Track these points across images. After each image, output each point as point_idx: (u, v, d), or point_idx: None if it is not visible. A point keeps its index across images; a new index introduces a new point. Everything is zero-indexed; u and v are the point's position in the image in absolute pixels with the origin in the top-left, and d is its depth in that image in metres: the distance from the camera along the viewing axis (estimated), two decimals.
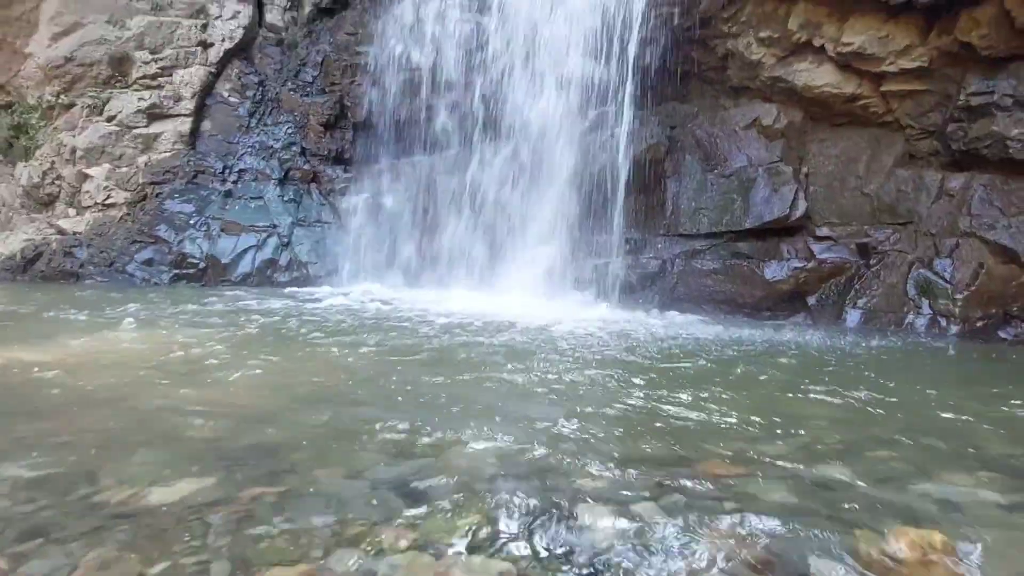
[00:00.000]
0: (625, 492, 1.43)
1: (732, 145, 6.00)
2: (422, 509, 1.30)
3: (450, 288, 6.44)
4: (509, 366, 2.93)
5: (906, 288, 5.03)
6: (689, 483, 1.49)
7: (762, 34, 5.71)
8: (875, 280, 5.16)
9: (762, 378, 2.99)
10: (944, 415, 2.36)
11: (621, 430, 1.98)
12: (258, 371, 2.76)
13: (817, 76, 5.63)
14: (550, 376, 2.76)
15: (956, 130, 5.09)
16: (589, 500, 1.37)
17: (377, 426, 1.91)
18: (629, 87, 6.04)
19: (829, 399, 2.55)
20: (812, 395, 2.62)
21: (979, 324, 4.80)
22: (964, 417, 2.32)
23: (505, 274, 6.23)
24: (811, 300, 5.35)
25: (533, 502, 1.35)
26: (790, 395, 2.64)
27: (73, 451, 1.65)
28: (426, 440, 1.79)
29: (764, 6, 5.61)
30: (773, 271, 5.42)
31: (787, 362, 3.45)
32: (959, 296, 4.83)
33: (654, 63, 6.13)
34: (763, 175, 5.74)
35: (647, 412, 2.21)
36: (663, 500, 1.38)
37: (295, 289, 6.71)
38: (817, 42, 5.52)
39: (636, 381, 2.71)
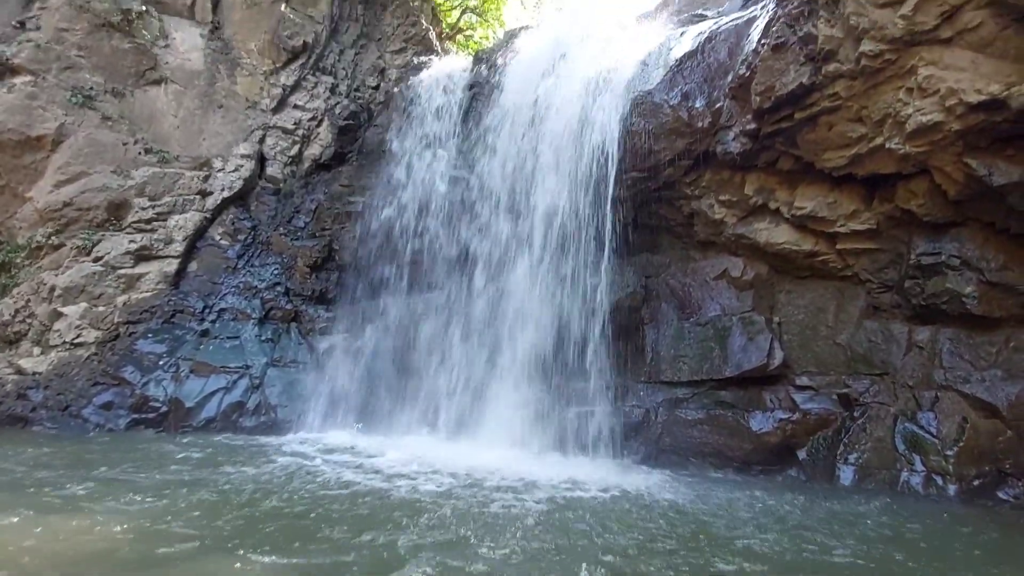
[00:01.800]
0: None
1: (705, 294, 6.22)
2: None
3: (425, 436, 6.12)
4: None
5: (895, 443, 4.90)
6: None
7: (722, 197, 6.22)
8: (862, 434, 5.04)
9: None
10: None
11: None
12: None
13: (776, 234, 6.04)
14: None
15: (913, 286, 5.36)
16: None
17: None
18: (605, 239, 6.39)
19: None
20: None
21: (976, 483, 4.61)
22: None
23: (484, 423, 5.98)
24: (801, 454, 5.16)
25: None
26: None
27: None
28: None
29: (721, 174, 6.19)
30: (759, 422, 5.29)
31: (789, 554, 3.15)
32: (949, 453, 4.70)
33: (627, 218, 6.57)
34: (737, 324, 5.88)
35: None
36: None
37: (260, 437, 6.30)
38: (772, 205, 6.02)
39: None
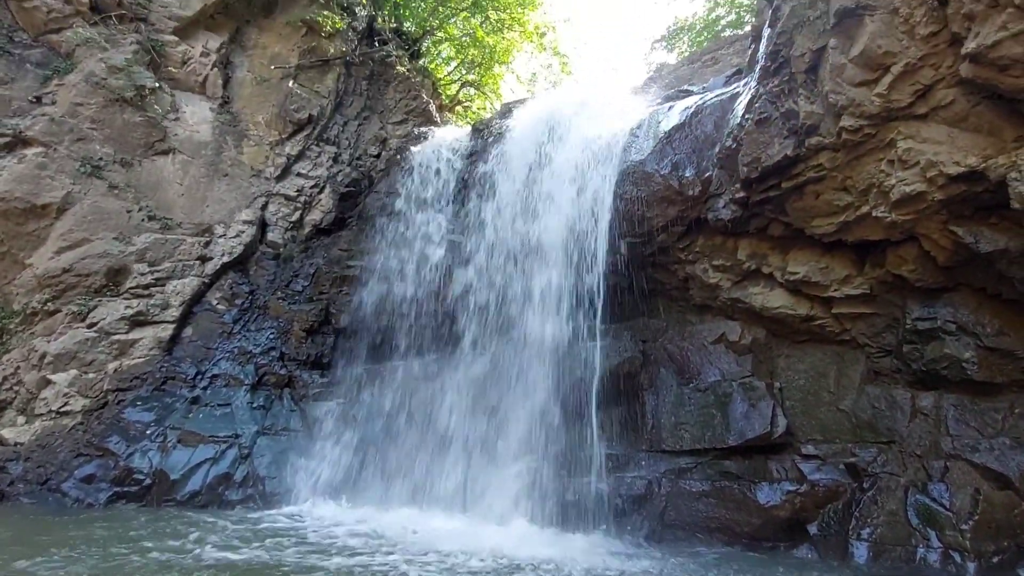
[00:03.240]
0: None
1: (703, 359, 6.16)
2: None
3: (420, 509, 5.86)
4: None
5: (908, 516, 4.71)
6: None
7: (715, 262, 6.29)
8: (873, 507, 4.85)
9: None
10: None
11: None
12: None
13: (771, 299, 6.05)
14: None
15: (912, 351, 5.33)
16: None
17: None
18: (601, 303, 6.40)
19: None
20: None
21: (995, 560, 4.39)
22: None
23: (480, 496, 5.75)
24: (812, 529, 4.94)
25: None
26: None
27: None
28: None
29: (714, 239, 6.30)
30: (766, 495, 5.09)
31: None
32: (965, 527, 4.50)
33: (623, 282, 6.62)
34: (738, 390, 5.79)
35: None
36: None
37: (246, 513, 6.01)
38: (766, 270, 6.07)
39: None
